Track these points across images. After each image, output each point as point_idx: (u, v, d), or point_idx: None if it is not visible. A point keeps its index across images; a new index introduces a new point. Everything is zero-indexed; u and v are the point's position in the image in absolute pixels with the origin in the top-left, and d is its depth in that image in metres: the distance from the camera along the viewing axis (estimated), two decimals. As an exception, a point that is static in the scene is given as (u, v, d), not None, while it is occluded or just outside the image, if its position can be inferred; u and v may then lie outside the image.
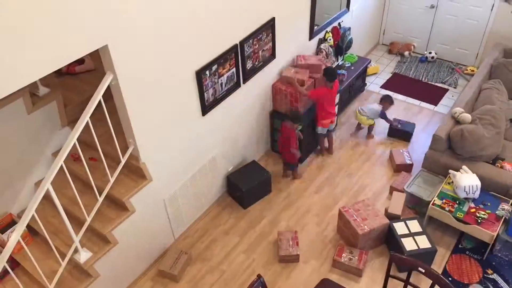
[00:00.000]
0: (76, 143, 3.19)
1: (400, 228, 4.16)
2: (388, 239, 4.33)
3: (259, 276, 3.10)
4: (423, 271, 3.10)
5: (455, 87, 6.46)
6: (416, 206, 4.60)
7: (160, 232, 4.28)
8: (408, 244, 4.01)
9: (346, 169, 5.26)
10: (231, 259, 4.38)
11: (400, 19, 7.08)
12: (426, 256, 4.03)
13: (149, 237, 4.16)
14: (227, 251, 4.45)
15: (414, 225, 4.18)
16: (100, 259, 3.65)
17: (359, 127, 5.78)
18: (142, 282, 4.22)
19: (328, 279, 3.50)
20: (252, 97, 4.75)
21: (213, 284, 4.17)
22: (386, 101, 5.40)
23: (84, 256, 3.57)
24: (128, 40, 3.10)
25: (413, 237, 4.07)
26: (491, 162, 4.58)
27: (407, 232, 4.12)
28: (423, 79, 6.67)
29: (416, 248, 3.98)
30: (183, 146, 4.10)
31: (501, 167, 4.50)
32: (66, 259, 3.48)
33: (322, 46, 5.51)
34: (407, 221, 4.22)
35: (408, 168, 5.12)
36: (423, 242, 4.03)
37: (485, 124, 4.61)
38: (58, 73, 4.55)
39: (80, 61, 4.58)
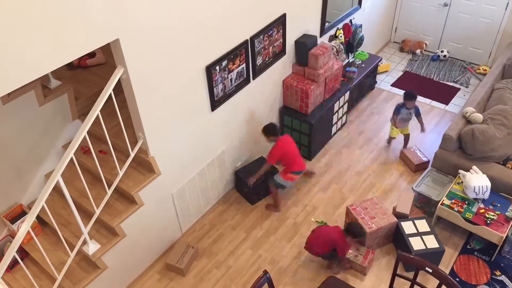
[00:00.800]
0: (87, 135, 3.22)
1: (408, 227, 4.14)
2: (395, 238, 4.31)
3: (265, 272, 3.10)
4: (431, 271, 3.09)
5: (466, 87, 6.39)
6: (425, 206, 4.57)
7: (167, 226, 4.30)
8: (416, 244, 3.98)
9: (354, 167, 5.24)
10: (237, 254, 4.39)
11: (412, 17, 7.01)
12: (434, 256, 4.01)
13: (157, 230, 4.18)
14: (233, 246, 4.47)
15: (422, 225, 4.15)
16: (108, 251, 3.68)
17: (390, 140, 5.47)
18: (149, 275, 4.26)
19: (334, 277, 3.50)
20: (261, 93, 4.74)
21: (219, 279, 4.19)
22: (409, 99, 4.91)
23: (92, 248, 3.61)
24: (139, 35, 3.11)
25: (421, 237, 4.05)
26: (501, 162, 4.53)
27: (415, 231, 4.10)
28: (434, 77, 6.61)
29: (424, 247, 3.96)
30: (192, 141, 4.11)
31: (512, 168, 4.46)
32: (75, 250, 3.51)
33: (333, 43, 5.48)
34: (415, 221, 4.19)
35: (426, 165, 5.07)
36: (431, 242, 4.01)
37: (496, 125, 4.56)
38: (70, 66, 4.58)
39: (92, 54, 4.60)
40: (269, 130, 4.36)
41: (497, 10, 6.16)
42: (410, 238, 4.03)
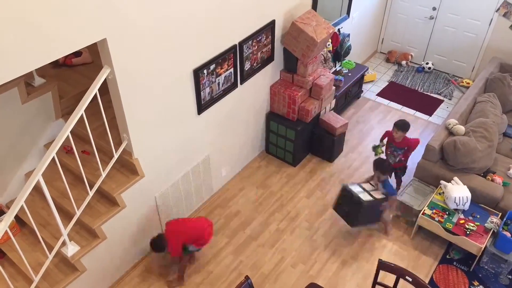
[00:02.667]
0: (70, 135, 3.17)
1: (355, 188, 4.27)
2: (343, 205, 4.35)
3: (247, 277, 3.09)
4: (411, 280, 3.12)
5: (450, 99, 6.50)
6: (406, 215, 4.62)
7: (149, 228, 4.25)
8: (364, 196, 4.16)
9: (338, 175, 5.27)
10: (219, 259, 4.37)
11: (399, 28, 7.12)
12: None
13: (139, 233, 4.13)
14: (215, 251, 4.44)
15: (368, 186, 4.32)
16: (87, 254, 3.62)
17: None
18: (129, 278, 4.20)
19: (315, 284, 3.51)
20: (248, 98, 4.75)
21: (200, 284, 4.16)
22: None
23: (71, 249, 3.54)
24: (128, 35, 3.09)
25: (368, 192, 4.23)
26: (482, 174, 4.61)
27: (361, 190, 4.26)
28: (419, 89, 6.71)
29: (372, 199, 4.14)
30: (177, 144, 4.09)
31: (492, 180, 4.54)
32: (53, 251, 3.45)
33: (320, 51, 5.52)
34: (362, 184, 4.36)
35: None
36: (378, 194, 4.21)
37: (478, 137, 4.64)
38: (55, 64, 4.52)
39: (78, 53, 4.55)
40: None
41: (481, 25, 6.30)
42: (360, 194, 4.17)
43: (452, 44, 6.71)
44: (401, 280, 3.26)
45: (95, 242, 3.66)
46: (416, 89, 6.71)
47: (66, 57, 4.48)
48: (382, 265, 3.26)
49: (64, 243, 3.52)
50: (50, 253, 3.44)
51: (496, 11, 6.06)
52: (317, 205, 4.90)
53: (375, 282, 3.40)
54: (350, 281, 4.17)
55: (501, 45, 6.24)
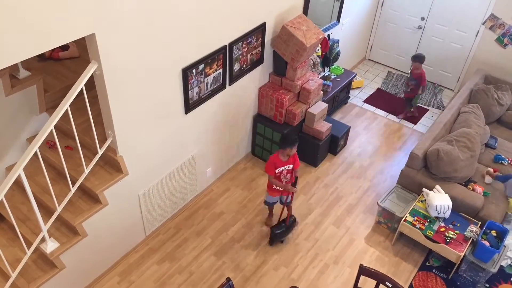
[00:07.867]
0: (53, 130, 3.12)
1: None
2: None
3: (228, 279, 3.09)
4: (390, 285, 3.15)
5: (442, 110, 6.58)
6: (388, 221, 4.67)
7: (131, 227, 4.22)
8: None
9: (322, 179, 5.30)
10: (201, 260, 4.35)
11: (387, 37, 7.20)
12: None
13: (120, 232, 4.09)
14: (197, 252, 4.42)
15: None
16: (67, 251, 3.57)
17: None
18: (108, 277, 4.15)
19: (297, 287, 3.52)
20: (236, 100, 4.74)
21: (181, 285, 4.13)
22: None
23: (50, 246, 3.49)
24: (117, 31, 3.06)
25: None
26: (463, 184, 4.69)
27: None
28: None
29: None
30: (163, 143, 4.06)
31: (473, 189, 4.62)
32: (32, 247, 3.39)
33: (310, 55, 5.55)
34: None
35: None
36: None
37: (460, 147, 4.72)
38: (41, 57, 4.45)
39: (65, 47, 4.49)
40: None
41: (467, 37, 6.41)
42: None
43: (439, 54, 6.82)
44: (381, 286, 3.30)
45: (75, 239, 3.61)
46: (402, 97, 6.78)
47: (52, 50, 4.41)
48: (363, 270, 3.28)
49: (43, 239, 3.46)
50: (28, 249, 3.38)
51: (483, 24, 6.17)
52: (301, 209, 4.92)
53: (355, 287, 3.43)
54: (331, 285, 4.19)
55: (487, 57, 6.36)
